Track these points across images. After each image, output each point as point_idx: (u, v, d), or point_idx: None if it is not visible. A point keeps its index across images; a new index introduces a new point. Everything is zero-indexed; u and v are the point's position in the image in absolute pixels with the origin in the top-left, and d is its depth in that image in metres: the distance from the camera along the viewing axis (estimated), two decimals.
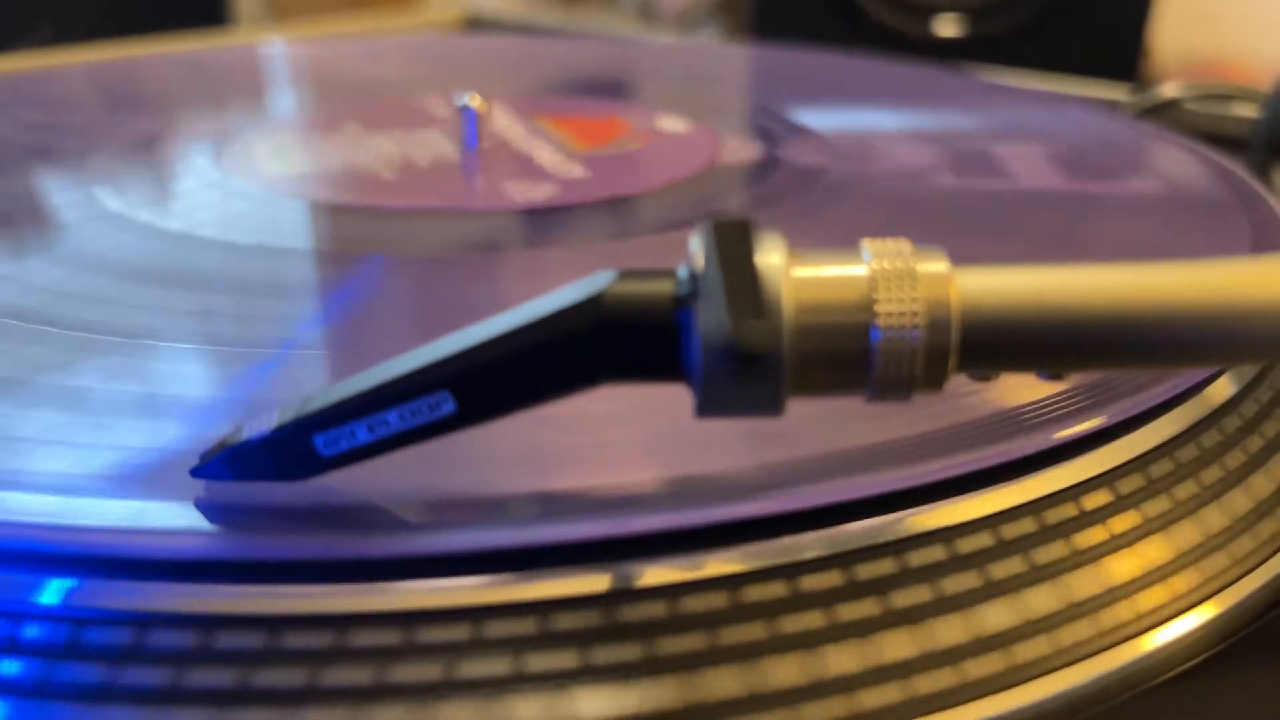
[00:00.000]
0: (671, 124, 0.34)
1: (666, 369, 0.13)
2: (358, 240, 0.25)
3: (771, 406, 0.13)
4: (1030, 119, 0.36)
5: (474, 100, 0.30)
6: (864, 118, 0.36)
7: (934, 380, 0.13)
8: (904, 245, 0.13)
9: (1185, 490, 0.17)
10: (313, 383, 0.19)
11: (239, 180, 0.28)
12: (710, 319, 0.12)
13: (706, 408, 0.13)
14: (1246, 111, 0.37)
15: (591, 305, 0.13)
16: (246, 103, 0.38)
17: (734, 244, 0.13)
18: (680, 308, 0.13)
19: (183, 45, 0.48)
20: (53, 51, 0.46)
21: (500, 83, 0.39)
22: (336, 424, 0.14)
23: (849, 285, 0.13)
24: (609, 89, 0.42)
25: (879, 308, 0.13)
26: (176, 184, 0.29)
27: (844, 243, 0.14)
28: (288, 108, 0.39)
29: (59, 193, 0.28)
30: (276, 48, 0.48)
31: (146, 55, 0.46)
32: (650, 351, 0.13)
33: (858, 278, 0.13)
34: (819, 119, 0.35)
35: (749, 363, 0.12)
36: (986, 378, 0.14)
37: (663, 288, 0.13)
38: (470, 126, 0.30)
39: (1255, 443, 0.18)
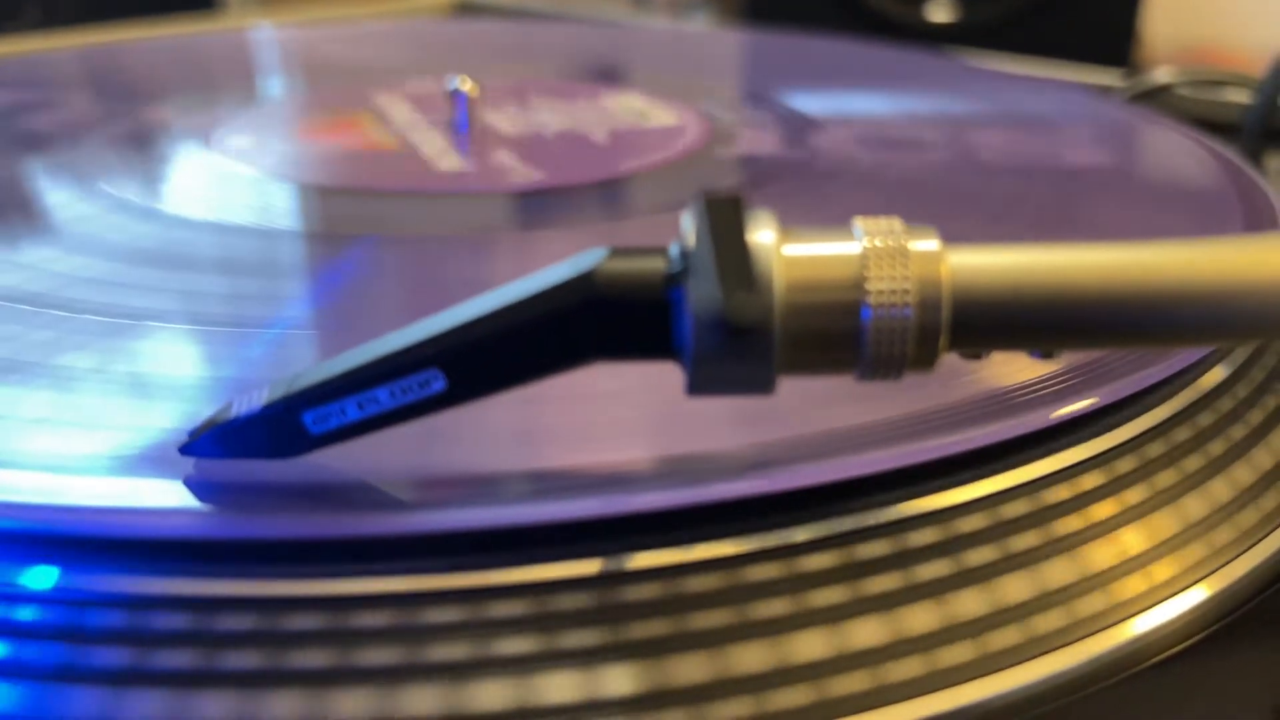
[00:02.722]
0: (664, 108, 0.34)
1: (658, 347, 0.13)
2: (348, 222, 0.25)
3: (762, 384, 0.13)
4: (1023, 104, 0.36)
5: (464, 83, 0.29)
6: (857, 102, 0.36)
7: (925, 359, 0.13)
8: (896, 224, 0.13)
9: (1167, 478, 0.17)
10: (305, 363, 0.19)
11: (229, 163, 0.28)
12: (701, 293, 0.12)
13: (697, 385, 0.13)
14: (1239, 97, 0.37)
15: (583, 282, 0.13)
16: (236, 87, 0.38)
17: (725, 218, 0.12)
18: (672, 285, 0.13)
19: (172, 29, 0.48)
20: (40, 36, 0.46)
21: (492, 67, 0.39)
22: (326, 401, 0.14)
23: (840, 263, 0.13)
24: (601, 73, 0.42)
25: (870, 286, 0.13)
26: (167, 167, 0.29)
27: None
28: (278, 92, 0.39)
29: (47, 176, 0.28)
30: (266, 32, 0.48)
31: (136, 39, 0.45)
32: (642, 329, 0.13)
33: (849, 256, 0.13)
34: (812, 103, 0.35)
35: (740, 336, 0.12)
36: (978, 356, 0.14)
37: (654, 265, 0.13)
38: (461, 110, 0.30)
39: (1239, 431, 0.18)
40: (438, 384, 0.13)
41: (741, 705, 0.13)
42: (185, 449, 0.14)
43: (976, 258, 0.13)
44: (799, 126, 0.32)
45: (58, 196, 0.26)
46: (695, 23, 0.60)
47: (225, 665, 0.13)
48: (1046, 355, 0.14)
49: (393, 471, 0.15)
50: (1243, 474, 0.18)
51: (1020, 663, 0.14)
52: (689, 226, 0.13)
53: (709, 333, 0.12)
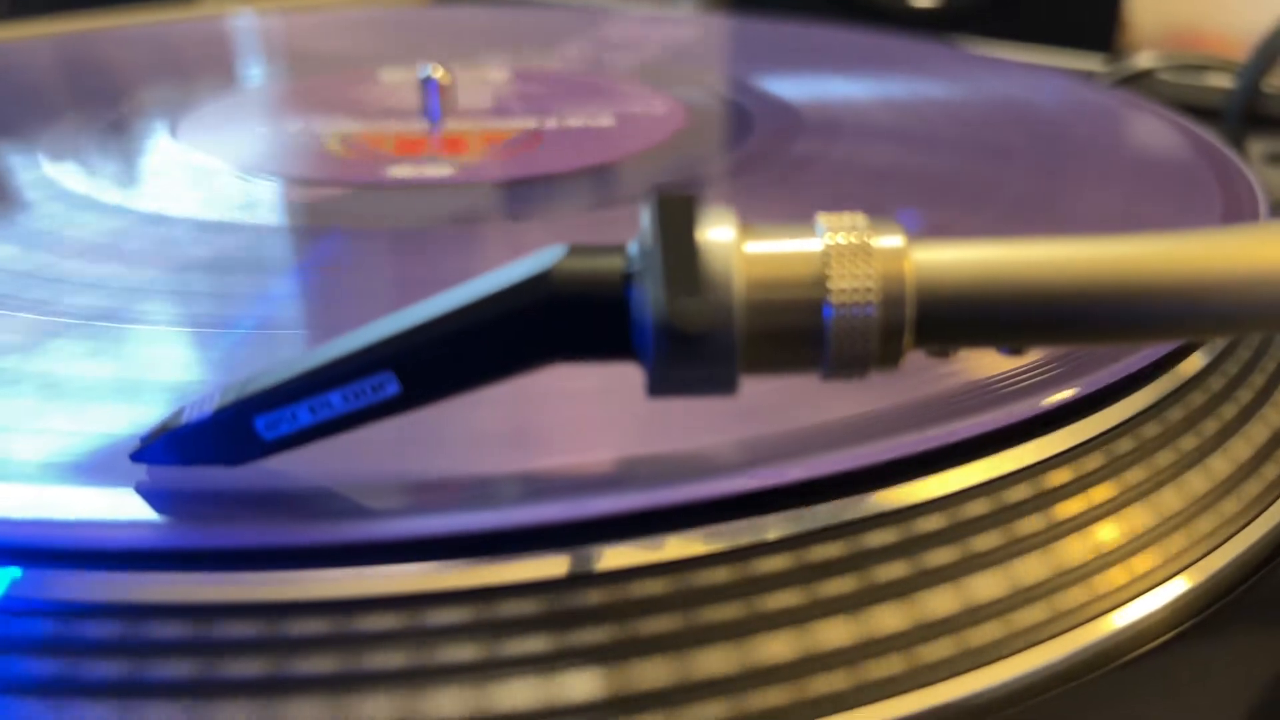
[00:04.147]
0: (645, 95, 0.33)
1: (617, 347, 0.13)
2: (320, 215, 0.25)
3: (724, 385, 0.13)
4: (1006, 89, 0.35)
5: (436, 71, 0.29)
6: (839, 88, 0.36)
7: (889, 357, 0.13)
8: (859, 219, 0.13)
9: (1137, 474, 0.17)
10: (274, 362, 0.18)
11: (204, 156, 0.28)
12: (652, 296, 0.12)
13: (658, 387, 0.13)
14: (1221, 82, 0.37)
15: (540, 281, 0.13)
16: (212, 77, 0.37)
17: (677, 218, 0.12)
18: (630, 284, 0.13)
19: (147, 17, 0.47)
20: (10, 24, 0.46)
21: (471, 55, 0.39)
22: (278, 406, 0.13)
23: (801, 261, 0.13)
24: (582, 60, 0.41)
25: (832, 284, 0.13)
26: (140, 161, 0.29)
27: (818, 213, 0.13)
28: (254, 81, 0.38)
29: (19, 170, 0.27)
30: (244, 20, 0.47)
31: (110, 27, 0.45)
32: (600, 329, 0.13)
33: (810, 254, 0.13)
34: (794, 89, 0.34)
35: (685, 341, 0.12)
36: (945, 354, 0.14)
37: (613, 264, 0.13)
38: (433, 98, 0.29)
39: (1211, 426, 0.18)
40: (391, 387, 0.13)
41: (715, 708, 0.13)
42: (137, 455, 0.14)
43: (942, 254, 0.13)
44: (781, 114, 0.32)
45: (29, 191, 0.26)
46: (679, 9, 0.59)
47: (166, 674, 0.13)
48: (1015, 352, 0.14)
49: (344, 477, 0.15)
50: (1220, 465, 0.17)
51: (1001, 658, 0.14)
52: (647, 224, 0.13)
53: (661, 335, 0.12)
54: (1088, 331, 0.13)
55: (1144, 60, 0.38)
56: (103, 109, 0.32)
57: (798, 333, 0.13)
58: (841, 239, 0.13)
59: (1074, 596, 0.15)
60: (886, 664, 0.14)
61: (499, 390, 0.14)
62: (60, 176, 0.26)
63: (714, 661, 0.13)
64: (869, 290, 0.13)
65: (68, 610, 0.13)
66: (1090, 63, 0.41)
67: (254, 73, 0.39)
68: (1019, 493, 0.16)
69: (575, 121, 0.31)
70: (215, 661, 0.13)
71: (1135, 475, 0.17)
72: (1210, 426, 0.18)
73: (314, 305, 0.21)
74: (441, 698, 0.13)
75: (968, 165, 0.28)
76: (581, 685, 0.13)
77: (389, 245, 0.23)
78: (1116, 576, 0.16)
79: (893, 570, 0.15)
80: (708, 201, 0.13)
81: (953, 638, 0.14)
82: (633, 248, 0.13)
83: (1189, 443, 0.17)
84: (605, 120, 0.31)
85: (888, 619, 0.14)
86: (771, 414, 0.16)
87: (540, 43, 0.44)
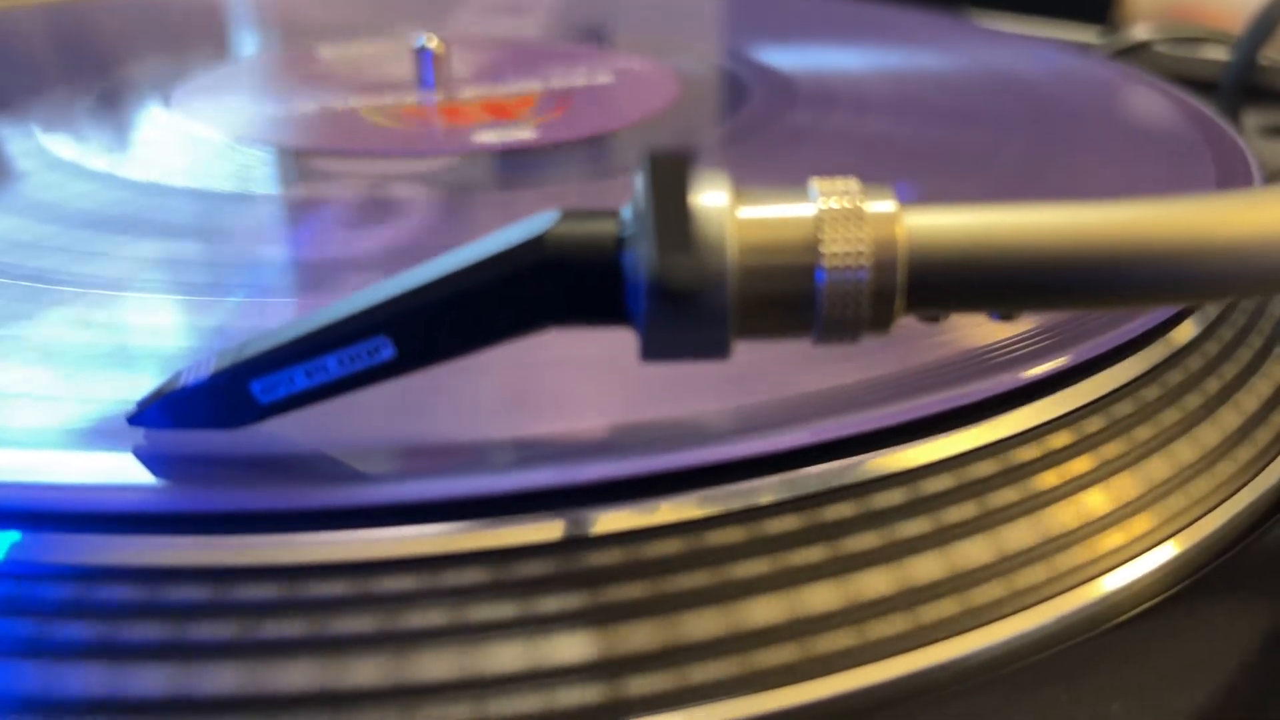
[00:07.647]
0: (638, 64, 0.33)
1: (611, 311, 0.13)
2: (315, 184, 0.25)
3: (716, 348, 0.13)
4: (1002, 60, 0.35)
5: (431, 41, 0.29)
6: (834, 58, 0.36)
7: (880, 321, 0.13)
8: (852, 184, 0.13)
9: (1119, 446, 0.17)
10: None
11: (198, 126, 0.28)
12: (643, 257, 0.12)
13: (651, 350, 0.13)
14: (1217, 54, 0.37)
15: (534, 246, 0.13)
16: (205, 47, 0.37)
17: (670, 179, 0.12)
18: (623, 248, 0.13)
19: None
20: None
21: (461, 24, 0.39)
22: (274, 369, 0.13)
23: (794, 226, 0.13)
24: (576, 30, 0.41)
25: (824, 248, 0.13)
26: (134, 131, 0.29)
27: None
28: (248, 51, 0.38)
29: (14, 141, 0.27)
30: None
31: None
32: (594, 293, 0.13)
33: (803, 218, 0.13)
34: (789, 59, 0.34)
35: (675, 300, 0.12)
36: (936, 319, 0.14)
37: (606, 228, 0.13)
38: (427, 68, 0.29)
39: (1194, 401, 0.18)
40: (387, 351, 0.13)
41: (724, 665, 0.13)
42: (133, 419, 0.14)
43: (934, 218, 0.13)
44: (776, 83, 0.32)
45: (23, 161, 0.26)
46: None
47: (143, 636, 0.13)
48: (1006, 317, 0.14)
49: (340, 441, 0.15)
50: (1209, 434, 0.18)
51: (999, 619, 0.14)
52: (640, 187, 0.13)
53: (651, 294, 0.12)
54: (1079, 296, 0.14)
55: (1141, 32, 0.38)
56: (96, 79, 0.32)
57: (790, 296, 0.13)
58: (834, 203, 0.13)
59: (1071, 558, 0.15)
60: (889, 623, 0.14)
61: (495, 355, 0.14)
62: (55, 146, 0.26)
63: (719, 619, 0.14)
64: (861, 254, 0.13)
65: (64, 573, 0.13)
66: (1087, 35, 0.40)
67: (247, 42, 0.39)
68: (1020, 455, 0.16)
69: (570, 92, 0.30)
70: (185, 624, 0.13)
71: (1122, 445, 0.17)
72: (1209, 387, 0.18)
73: (309, 273, 0.21)
74: (428, 661, 0.13)
75: (962, 136, 0.28)
76: (571, 648, 0.13)
77: (389, 213, 0.23)
78: (1112, 539, 0.16)
79: (893, 533, 0.15)
80: (701, 167, 0.13)
81: (953, 598, 0.14)
82: (626, 212, 0.13)
83: (1179, 411, 0.17)
84: (599, 90, 0.31)
85: (881, 580, 0.14)
86: (771, 380, 0.16)
87: (535, 11, 0.43)
